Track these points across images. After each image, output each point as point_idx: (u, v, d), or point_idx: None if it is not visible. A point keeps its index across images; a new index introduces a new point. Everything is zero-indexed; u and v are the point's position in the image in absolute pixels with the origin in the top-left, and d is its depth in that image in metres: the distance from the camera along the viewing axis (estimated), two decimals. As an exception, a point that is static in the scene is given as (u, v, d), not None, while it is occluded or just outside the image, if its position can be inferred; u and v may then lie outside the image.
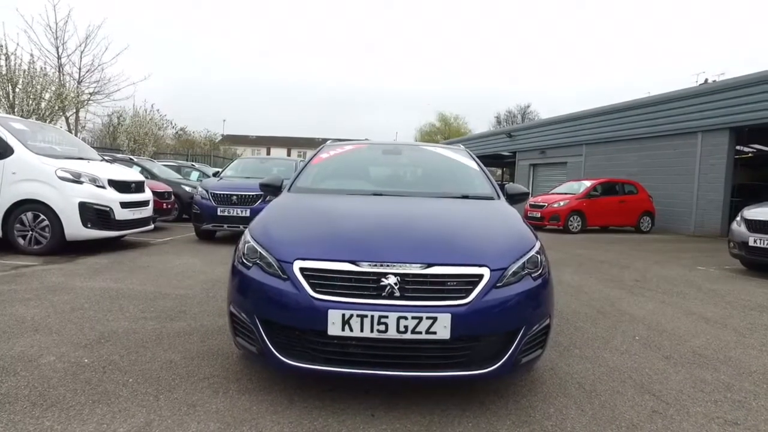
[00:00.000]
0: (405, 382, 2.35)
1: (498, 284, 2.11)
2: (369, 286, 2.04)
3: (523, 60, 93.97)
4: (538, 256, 2.34)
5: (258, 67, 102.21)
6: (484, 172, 3.52)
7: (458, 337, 2.01)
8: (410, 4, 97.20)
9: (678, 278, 6.17)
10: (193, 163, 16.10)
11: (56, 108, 13.37)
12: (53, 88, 13.42)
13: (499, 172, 38.17)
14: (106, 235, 6.37)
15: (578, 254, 8.38)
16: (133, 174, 7.55)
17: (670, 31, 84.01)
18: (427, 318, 1.97)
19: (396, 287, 2.02)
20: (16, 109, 12.89)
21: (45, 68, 13.99)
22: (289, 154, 49.37)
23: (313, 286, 2.07)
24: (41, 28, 17.17)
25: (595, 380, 2.63)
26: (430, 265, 2.08)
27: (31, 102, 13.26)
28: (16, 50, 13.43)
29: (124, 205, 6.56)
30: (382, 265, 2.07)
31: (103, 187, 6.39)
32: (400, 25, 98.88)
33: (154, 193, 9.19)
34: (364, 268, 2.07)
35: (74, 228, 5.93)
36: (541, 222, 12.82)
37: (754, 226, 6.35)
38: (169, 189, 9.88)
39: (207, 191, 7.94)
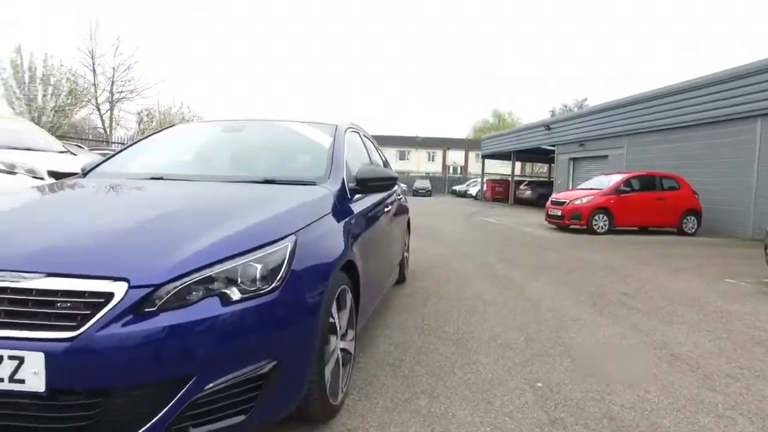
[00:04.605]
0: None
1: (148, 308, 1.36)
2: None
3: (589, 54, 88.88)
4: (257, 265, 1.51)
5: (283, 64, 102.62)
6: (333, 154, 2.66)
7: (62, 390, 1.28)
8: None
9: (684, 293, 4.89)
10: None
11: (71, 103, 14.03)
12: (69, 86, 14.05)
13: (547, 168, 36.03)
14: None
15: (581, 258, 7.12)
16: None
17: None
18: (10, 358, 1.26)
19: None
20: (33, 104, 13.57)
21: (62, 64, 14.70)
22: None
23: None
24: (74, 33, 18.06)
25: (391, 464, 1.71)
26: (49, 275, 1.36)
27: (50, 97, 13.91)
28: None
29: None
30: None
31: (42, 178, 6.10)
32: (454, 21, 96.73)
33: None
34: None
35: None
36: (562, 221, 11.40)
37: (793, 228, 4.92)
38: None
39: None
